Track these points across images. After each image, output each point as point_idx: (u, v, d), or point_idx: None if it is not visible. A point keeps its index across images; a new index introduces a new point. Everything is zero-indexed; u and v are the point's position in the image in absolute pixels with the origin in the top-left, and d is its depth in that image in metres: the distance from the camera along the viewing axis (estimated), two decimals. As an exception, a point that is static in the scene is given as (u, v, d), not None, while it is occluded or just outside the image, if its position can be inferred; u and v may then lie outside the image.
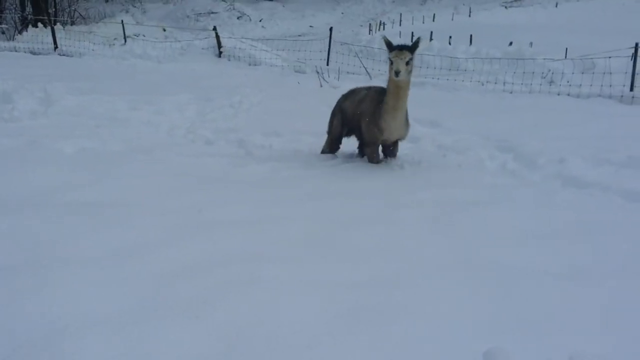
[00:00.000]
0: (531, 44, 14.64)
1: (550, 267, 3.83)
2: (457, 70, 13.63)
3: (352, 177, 5.96)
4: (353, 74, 14.22)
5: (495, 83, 12.45)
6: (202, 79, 13.03)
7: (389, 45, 6.07)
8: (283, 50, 17.23)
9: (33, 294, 3.34)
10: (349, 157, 6.87)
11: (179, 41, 18.89)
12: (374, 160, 6.53)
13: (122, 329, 3.01)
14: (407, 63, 5.90)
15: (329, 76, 13.38)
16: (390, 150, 6.77)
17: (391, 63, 5.97)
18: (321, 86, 12.49)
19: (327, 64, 15.35)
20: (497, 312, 3.26)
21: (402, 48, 5.98)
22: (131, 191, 5.29)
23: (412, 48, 6.00)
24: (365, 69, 14.08)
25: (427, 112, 8.89)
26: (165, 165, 6.33)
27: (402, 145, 7.23)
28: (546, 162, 6.19)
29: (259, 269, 3.74)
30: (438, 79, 13.10)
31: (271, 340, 2.96)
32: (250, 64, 16.31)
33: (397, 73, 5.81)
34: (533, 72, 12.37)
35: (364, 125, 6.44)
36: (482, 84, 12.58)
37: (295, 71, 14.95)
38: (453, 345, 2.93)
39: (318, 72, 13.14)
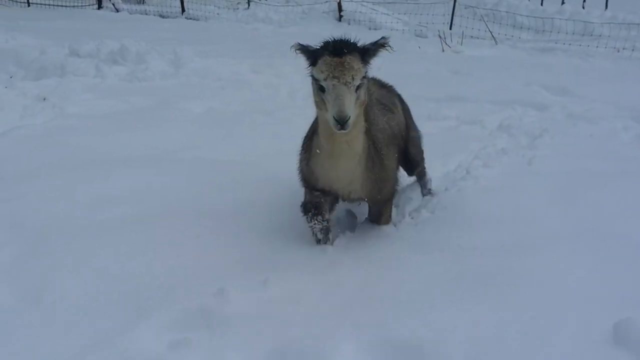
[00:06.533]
0: (676, 7, 13.41)
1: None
2: (591, 35, 12.79)
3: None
4: (477, 38, 13.74)
5: (633, 50, 11.60)
6: (322, 43, 13.07)
7: (307, 51, 3.18)
8: (404, 13, 16.87)
9: (171, 238, 3.64)
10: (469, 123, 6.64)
11: (300, 5, 19.03)
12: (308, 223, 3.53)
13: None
14: (358, 87, 3.08)
15: (451, 41, 12.96)
16: (370, 211, 3.94)
17: (321, 90, 3.09)
18: (443, 51, 12.15)
19: (450, 28, 14.87)
20: (628, 285, 3.10)
21: (341, 51, 3.04)
22: (256, 150, 5.46)
23: (367, 52, 3.18)
24: (491, 33, 13.51)
25: (557, 79, 8.47)
26: (287, 126, 6.45)
27: (526, 112, 6.91)
28: (687, 135, 5.70)
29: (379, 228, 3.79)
30: (570, 44, 12.37)
31: (394, 297, 3.01)
32: (370, 28, 16.14)
33: (340, 121, 2.97)
34: (676, 39, 11.34)
35: None
36: (618, 51, 11.79)
37: (416, 35, 14.61)
38: (579, 314, 2.82)
39: (440, 37, 12.75)
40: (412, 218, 4.07)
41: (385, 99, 4.03)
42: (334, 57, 3.02)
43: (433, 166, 4.94)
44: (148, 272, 3.27)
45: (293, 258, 3.44)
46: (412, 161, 4.32)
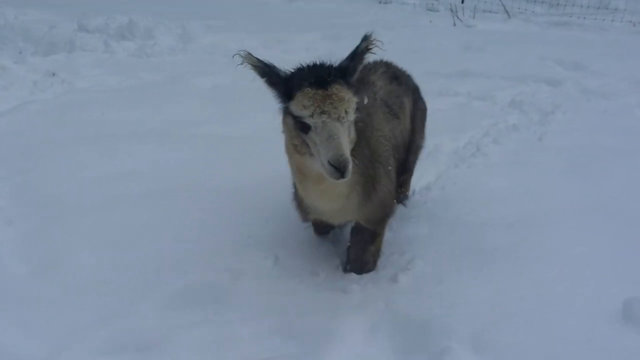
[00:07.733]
0: (695, -21, 13.11)
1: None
2: (607, 9, 12.56)
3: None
4: (490, 12, 13.53)
5: (650, 24, 11.37)
6: (332, 18, 12.92)
7: (273, 80, 2.56)
8: (416, -13, 16.64)
9: (182, 213, 3.68)
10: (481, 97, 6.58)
11: (309, -21, 18.80)
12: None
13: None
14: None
15: (463, 15, 12.78)
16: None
17: (303, 129, 2.43)
18: (455, 25, 11.99)
19: (462, 2, 14.65)
20: (639, 263, 3.09)
21: (325, 81, 2.41)
22: (265, 126, 5.42)
23: (347, 71, 2.58)
24: (504, 6, 13.30)
25: (571, 54, 8.35)
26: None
27: (539, 88, 6.83)
28: None
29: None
30: (584, 18, 12.16)
31: (402, 273, 3.04)
32: (380, 2, 15.94)
33: (341, 167, 2.29)
34: (696, 12, 11.11)
35: None
36: (634, 25, 11.57)
37: (428, 9, 14.41)
38: (588, 289, 2.83)
39: (452, 11, 12.59)
40: (421, 195, 4.05)
41: (392, 99, 3.27)
42: (317, 89, 2.36)
43: (443, 142, 4.92)
44: (158, 247, 3.30)
45: (302, 236, 3.46)
46: (404, 168, 3.54)
